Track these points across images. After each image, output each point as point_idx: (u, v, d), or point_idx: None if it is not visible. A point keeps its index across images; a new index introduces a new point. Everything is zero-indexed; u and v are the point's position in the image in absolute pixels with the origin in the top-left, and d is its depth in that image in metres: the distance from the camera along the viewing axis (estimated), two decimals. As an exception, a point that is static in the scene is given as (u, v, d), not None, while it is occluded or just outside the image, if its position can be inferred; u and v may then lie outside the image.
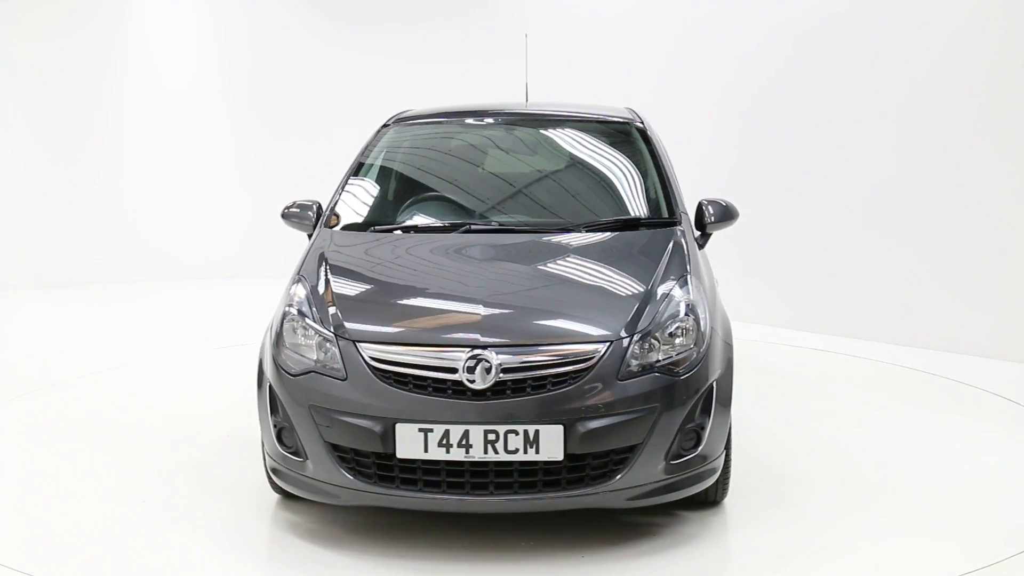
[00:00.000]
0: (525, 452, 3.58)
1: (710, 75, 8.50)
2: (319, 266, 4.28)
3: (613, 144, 5.19)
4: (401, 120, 5.42)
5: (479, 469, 3.63)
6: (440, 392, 3.63)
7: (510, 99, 6.50)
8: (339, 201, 4.85)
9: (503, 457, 3.58)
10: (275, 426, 3.93)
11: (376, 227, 4.66)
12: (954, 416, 5.72)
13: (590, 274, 4.22)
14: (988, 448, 5.16)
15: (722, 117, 8.47)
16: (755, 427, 5.45)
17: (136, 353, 7.26)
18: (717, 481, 4.10)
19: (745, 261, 8.13)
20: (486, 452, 3.58)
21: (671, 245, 4.31)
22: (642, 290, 3.98)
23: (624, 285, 4.08)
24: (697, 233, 4.75)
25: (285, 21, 10.85)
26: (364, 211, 4.83)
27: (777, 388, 6.27)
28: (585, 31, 9.24)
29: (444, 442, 3.59)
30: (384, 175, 5.08)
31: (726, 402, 3.97)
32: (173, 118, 10.62)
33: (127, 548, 3.97)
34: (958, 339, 7.14)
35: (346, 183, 4.96)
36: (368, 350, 3.74)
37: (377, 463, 3.69)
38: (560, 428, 3.58)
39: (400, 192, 5.01)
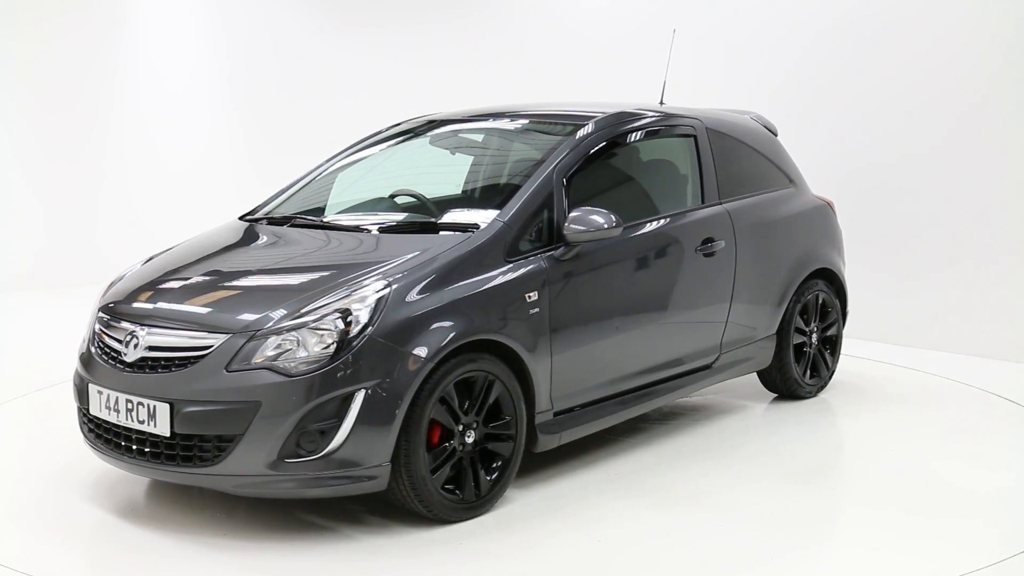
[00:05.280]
0: (148, 424, 3.95)
1: (722, 75, 8.50)
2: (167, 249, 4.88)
3: (535, 147, 4.98)
4: (382, 130, 5.58)
5: (127, 433, 4.06)
6: (112, 360, 4.16)
7: (522, 100, 6.48)
8: (273, 198, 5.25)
9: (135, 425, 3.99)
10: None
11: (247, 217, 5.11)
12: (954, 416, 5.72)
13: (297, 271, 4.35)
14: (987, 448, 5.16)
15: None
16: (751, 424, 5.45)
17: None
18: (406, 495, 3.96)
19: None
20: (126, 419, 4.02)
21: (421, 251, 4.20)
22: (310, 292, 4.01)
23: (303, 283, 4.14)
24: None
25: (285, 21, 10.85)
26: (265, 206, 5.21)
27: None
28: (585, 29, 9.24)
29: (107, 405, 4.10)
30: (319, 178, 5.37)
31: (384, 414, 3.83)
32: (173, 118, 10.61)
33: (127, 548, 3.97)
34: (957, 340, 7.14)
35: (291, 184, 5.35)
36: (99, 319, 4.39)
37: (85, 418, 4.31)
38: (168, 407, 3.88)
39: (308, 189, 5.32)
